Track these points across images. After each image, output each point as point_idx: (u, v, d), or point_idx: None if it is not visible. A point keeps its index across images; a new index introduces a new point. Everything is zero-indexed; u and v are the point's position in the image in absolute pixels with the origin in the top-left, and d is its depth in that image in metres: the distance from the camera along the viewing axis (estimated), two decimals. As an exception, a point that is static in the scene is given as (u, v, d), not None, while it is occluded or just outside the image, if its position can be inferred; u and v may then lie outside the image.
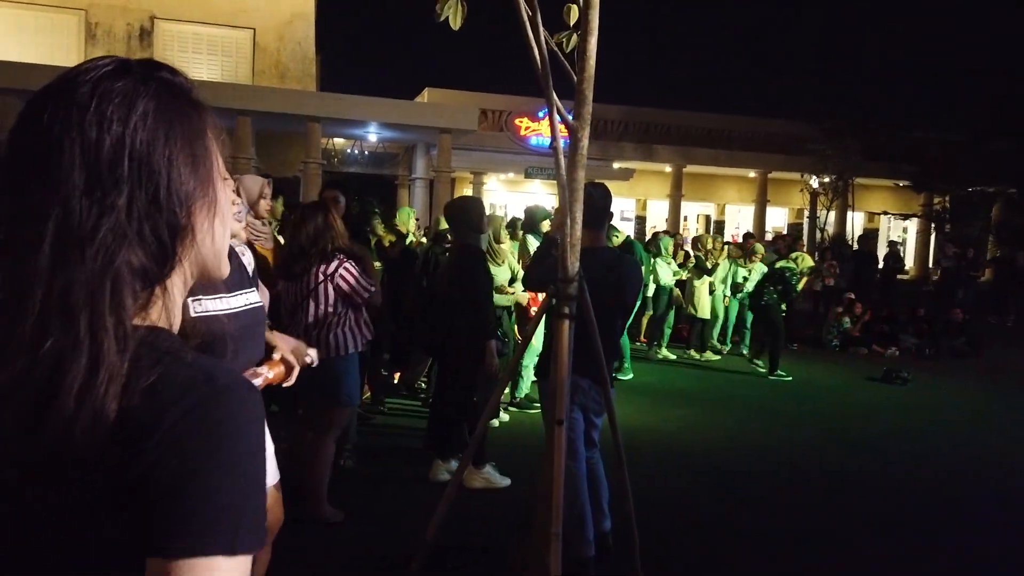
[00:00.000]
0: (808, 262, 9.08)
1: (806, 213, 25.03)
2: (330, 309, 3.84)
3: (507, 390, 6.06)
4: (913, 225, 27.19)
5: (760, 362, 9.00)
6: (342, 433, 4.20)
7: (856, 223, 26.15)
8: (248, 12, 16.64)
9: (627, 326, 7.61)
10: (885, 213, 26.39)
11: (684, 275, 9.53)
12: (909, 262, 25.62)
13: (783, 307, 8.82)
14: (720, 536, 4.09)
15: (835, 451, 5.89)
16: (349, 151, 19.23)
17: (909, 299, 13.58)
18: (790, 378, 8.45)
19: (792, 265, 9.02)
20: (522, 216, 6.83)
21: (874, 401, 7.77)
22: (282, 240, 4.60)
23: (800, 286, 9.17)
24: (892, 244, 21.66)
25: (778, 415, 6.96)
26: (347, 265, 3.85)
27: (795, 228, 25.26)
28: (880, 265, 15.13)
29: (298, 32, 17.08)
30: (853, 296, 11.08)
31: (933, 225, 25.20)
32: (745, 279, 9.29)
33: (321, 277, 3.81)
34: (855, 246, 15.88)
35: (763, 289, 8.74)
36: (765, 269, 9.11)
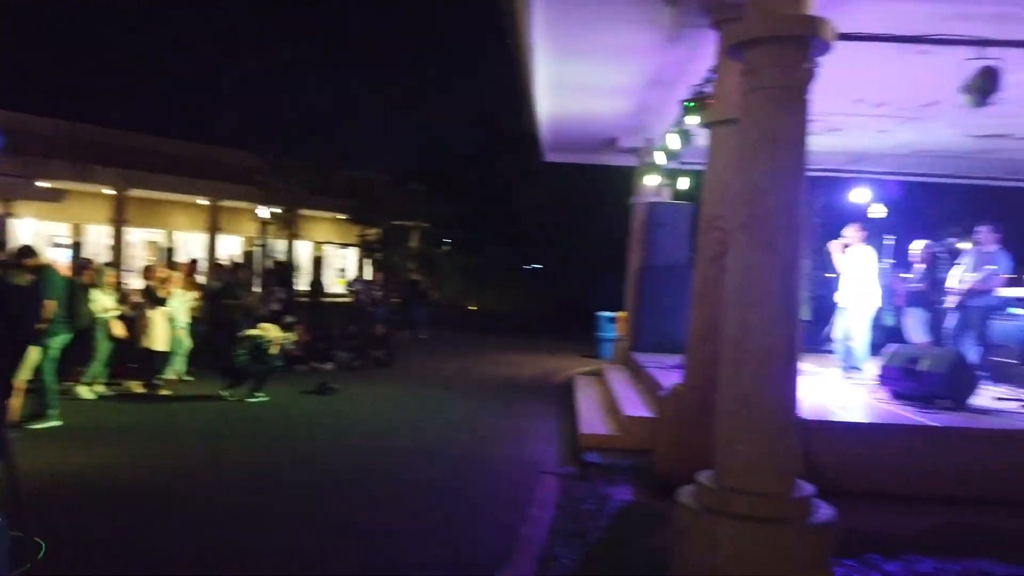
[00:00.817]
0: (275, 332, 9.62)
1: (257, 241, 26.08)
2: None
3: None
4: (353, 253, 30.84)
5: (228, 392, 9.19)
6: None
7: (304, 251, 28.39)
8: None
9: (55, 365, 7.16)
10: (329, 242, 29.28)
11: (123, 308, 9.25)
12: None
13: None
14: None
15: (268, 459, 6.60)
16: None
17: (341, 318, 15.50)
18: (268, 398, 9.06)
19: (262, 334, 9.43)
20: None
21: (311, 410, 8.84)
22: None
23: (273, 351, 9.52)
24: (315, 272, 24.20)
25: (227, 438, 7.38)
26: None
27: (248, 256, 26.12)
28: (309, 289, 16.84)
29: None
30: (294, 319, 12.21)
31: (366, 253, 28.90)
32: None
33: None
34: (297, 273, 17.40)
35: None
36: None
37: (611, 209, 16.39)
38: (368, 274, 18.43)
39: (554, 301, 26.16)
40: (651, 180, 10.77)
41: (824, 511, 3.56)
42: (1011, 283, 8.21)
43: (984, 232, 8.28)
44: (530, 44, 6.82)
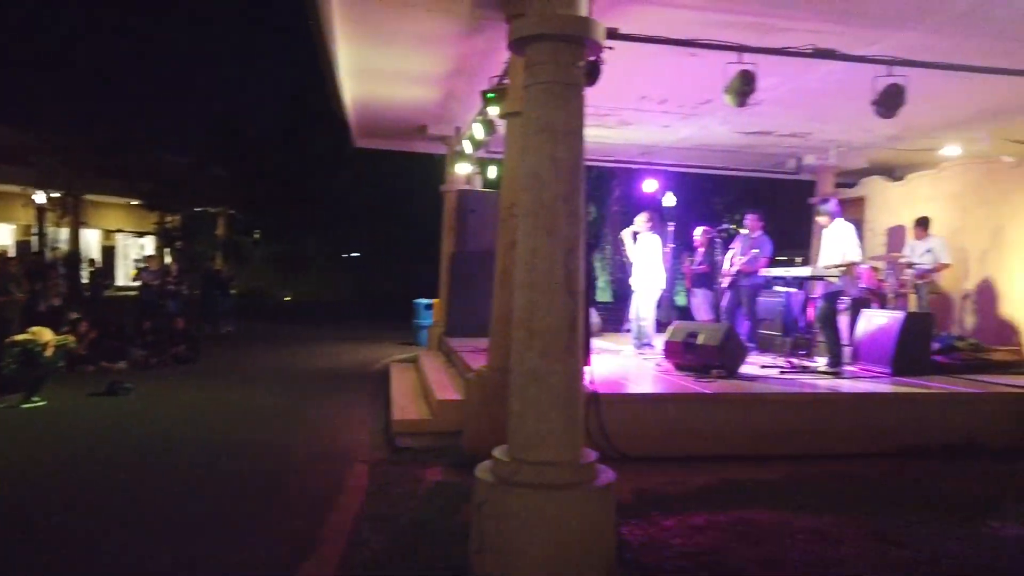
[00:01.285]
0: (48, 335, 8.63)
1: (34, 229, 23.32)
2: None
3: None
4: (150, 242, 28.46)
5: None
6: None
7: (93, 240, 25.79)
8: None
9: None
10: (121, 231, 26.82)
11: None
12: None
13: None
14: None
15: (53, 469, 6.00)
16: None
17: (136, 313, 14.31)
18: (44, 402, 8.23)
19: (33, 338, 8.47)
20: None
21: (97, 412, 8.12)
22: None
23: (48, 354, 8.56)
24: (92, 262, 22.13)
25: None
26: None
27: (24, 245, 23.27)
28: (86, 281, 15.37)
29: None
30: (78, 315, 11.14)
31: (166, 241, 26.85)
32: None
33: None
34: (83, 265, 15.81)
35: None
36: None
37: (428, 196, 16.48)
38: (160, 264, 17.04)
39: (373, 289, 25.87)
40: (461, 168, 10.96)
41: (606, 475, 3.88)
42: (773, 264, 9.32)
43: (750, 219, 9.33)
44: (330, 27, 6.69)
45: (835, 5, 5.73)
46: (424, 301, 14.52)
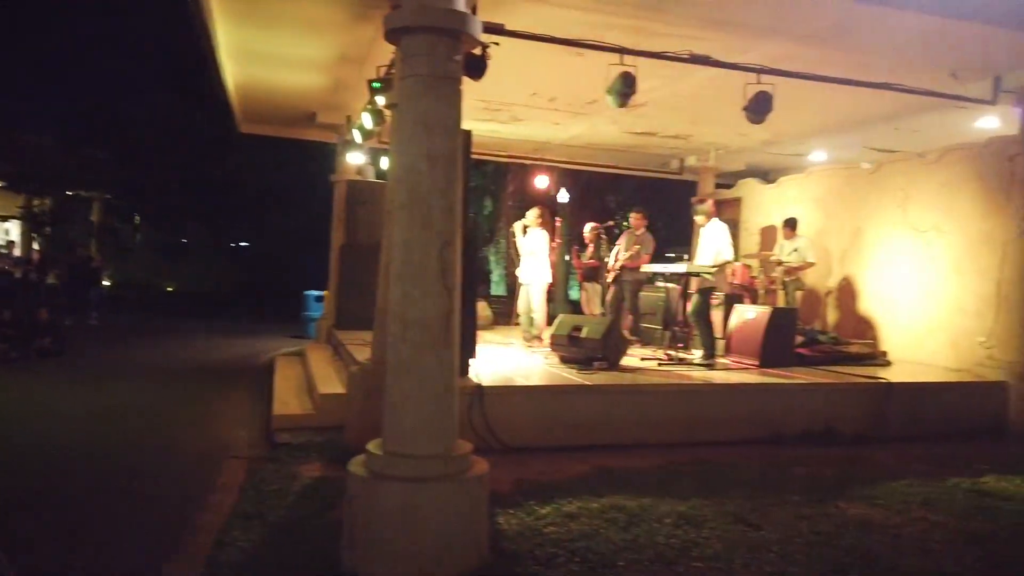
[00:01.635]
0: None
1: None
2: None
3: None
4: (16, 227, 26.33)
5: None
6: None
7: (-54, 224, 23.63)
8: None
9: None
10: (-21, 214, 24.69)
11: None
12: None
13: None
14: None
15: None
16: None
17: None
18: None
19: None
20: None
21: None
22: None
23: None
24: None
25: None
26: None
27: None
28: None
29: None
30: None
31: (34, 227, 24.92)
32: None
33: None
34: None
35: None
36: None
37: (319, 185, 16.08)
38: (26, 251, 15.83)
39: (263, 280, 25.00)
40: (353, 158, 10.76)
41: (479, 466, 3.93)
42: (656, 260, 9.67)
43: (635, 216, 9.64)
44: (208, 6, 6.40)
45: (710, 14, 6.00)
46: (314, 293, 14.18)
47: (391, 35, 3.62)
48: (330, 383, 7.73)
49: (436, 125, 3.59)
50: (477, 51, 4.92)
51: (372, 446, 3.82)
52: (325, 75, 8.76)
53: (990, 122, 9.10)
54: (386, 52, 6.94)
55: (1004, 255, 7.70)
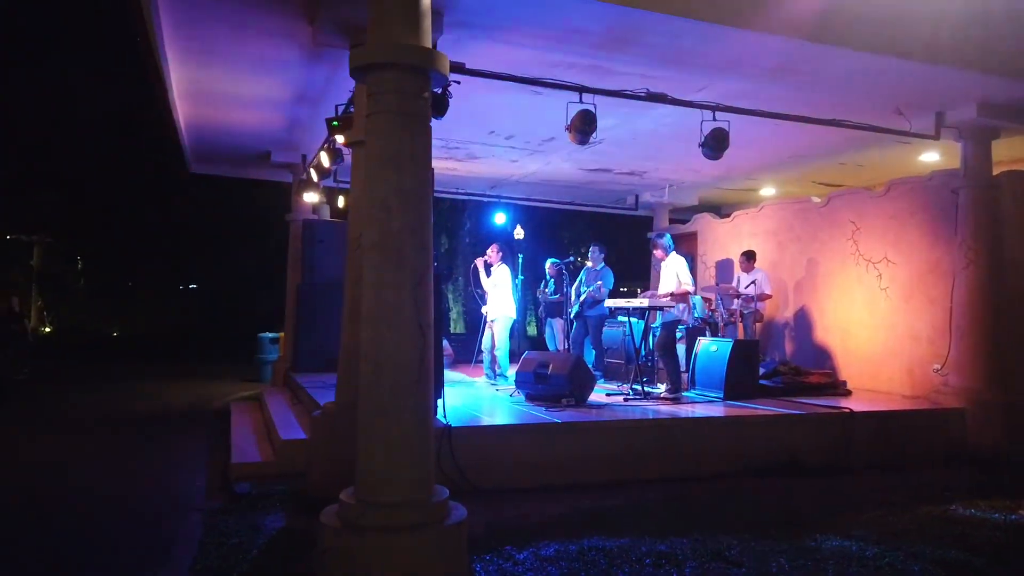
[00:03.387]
0: None
1: None
2: None
3: None
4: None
5: None
6: None
7: None
8: None
9: None
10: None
11: None
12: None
13: None
14: None
15: None
16: None
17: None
18: None
19: None
20: None
21: None
22: None
23: None
24: None
25: None
26: None
27: None
28: None
29: None
30: None
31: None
32: None
33: None
34: None
35: None
36: None
37: (273, 225, 15.81)
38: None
39: (213, 322, 24.37)
40: (309, 197, 10.61)
41: (458, 512, 3.80)
42: (615, 295, 9.72)
43: (593, 252, 9.69)
44: (160, 45, 6.27)
45: (665, 53, 6.11)
46: (269, 335, 13.83)
47: (357, 72, 3.57)
48: (291, 428, 7.48)
49: (406, 161, 3.54)
50: (438, 90, 4.90)
51: (345, 495, 3.67)
52: (280, 114, 8.65)
53: (931, 156, 9.47)
54: (343, 90, 6.90)
55: (954, 283, 7.93)
